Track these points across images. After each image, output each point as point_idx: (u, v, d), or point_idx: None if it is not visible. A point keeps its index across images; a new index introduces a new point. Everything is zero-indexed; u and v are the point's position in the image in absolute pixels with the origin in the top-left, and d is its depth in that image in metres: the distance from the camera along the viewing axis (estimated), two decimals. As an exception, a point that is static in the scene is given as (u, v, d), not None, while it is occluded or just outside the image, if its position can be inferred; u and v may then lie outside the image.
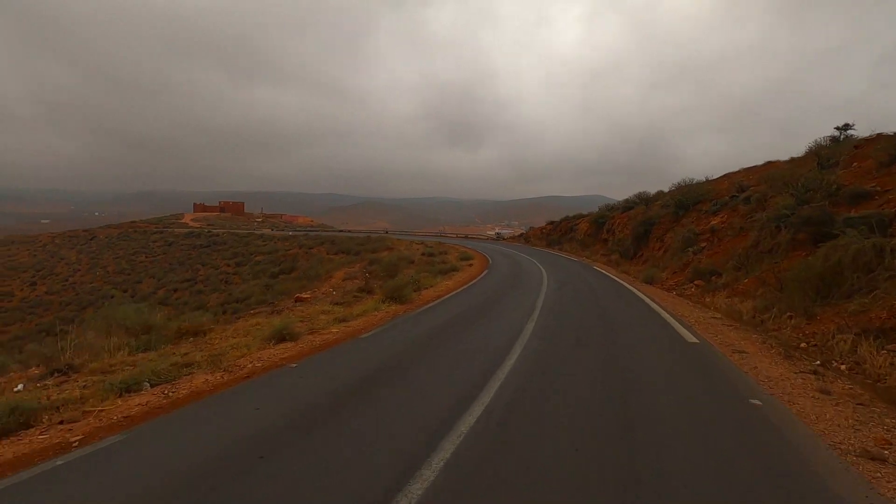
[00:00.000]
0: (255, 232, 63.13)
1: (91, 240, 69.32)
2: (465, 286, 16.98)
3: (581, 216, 37.40)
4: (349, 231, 74.59)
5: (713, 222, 17.06)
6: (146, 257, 54.98)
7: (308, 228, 78.10)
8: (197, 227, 75.43)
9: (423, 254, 31.25)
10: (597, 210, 34.92)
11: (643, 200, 27.57)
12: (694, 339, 7.93)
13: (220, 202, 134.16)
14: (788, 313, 8.33)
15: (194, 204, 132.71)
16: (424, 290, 15.85)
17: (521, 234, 48.07)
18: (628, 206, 28.58)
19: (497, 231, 50.29)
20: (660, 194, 26.95)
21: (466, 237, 56.87)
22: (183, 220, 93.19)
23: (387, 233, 67.44)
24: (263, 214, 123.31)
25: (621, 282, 17.62)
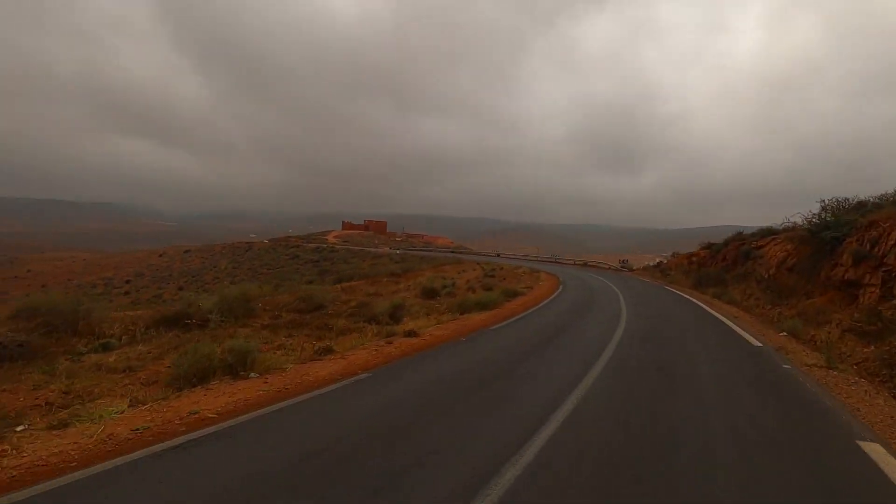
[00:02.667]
0: (367, 249, 64.68)
1: (247, 251, 74.27)
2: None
3: (771, 232, 19.54)
4: (475, 253, 67.36)
5: None
6: (265, 266, 57.97)
7: (441, 249, 77.25)
8: (331, 243, 78.15)
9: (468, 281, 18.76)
10: (809, 220, 14.81)
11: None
12: None
13: (364, 221, 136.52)
14: None
15: (343, 222, 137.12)
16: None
17: (658, 264, 31.73)
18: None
19: (622, 261, 34.18)
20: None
21: (586, 265, 42.10)
22: (327, 237, 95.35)
23: (498, 255, 58.93)
24: (405, 234, 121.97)
25: None
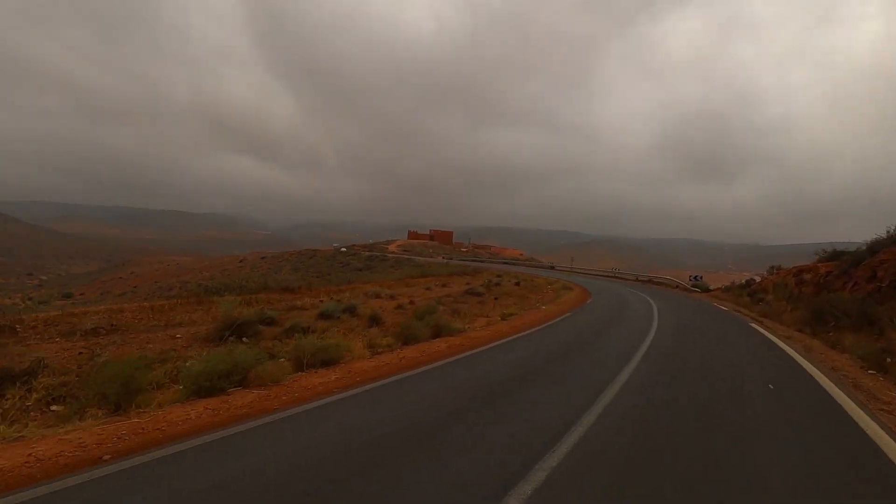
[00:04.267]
0: (416, 258, 63.00)
1: (311, 258, 74.84)
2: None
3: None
4: (534, 266, 60.29)
5: None
6: (312, 270, 58.30)
7: (508, 260, 73.97)
8: (391, 252, 78.55)
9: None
10: None
11: None
12: None
13: (430, 230, 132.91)
14: None
15: (409, 231, 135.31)
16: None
17: (748, 284, 21.18)
18: None
19: (694, 276, 23.96)
20: None
21: (650, 281, 32.09)
22: (389, 246, 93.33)
23: (552, 267, 52.35)
24: (472, 244, 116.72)
25: None
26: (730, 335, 11.08)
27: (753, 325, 12.46)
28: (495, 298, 16.86)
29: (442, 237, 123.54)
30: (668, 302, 19.36)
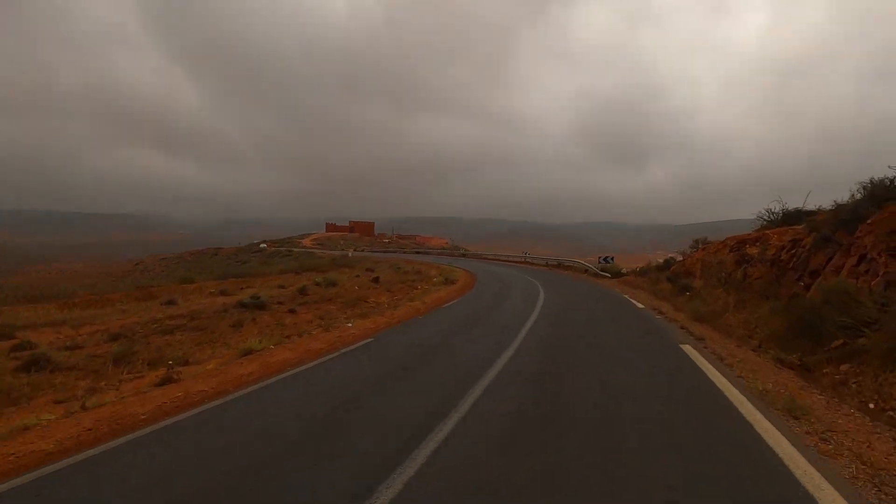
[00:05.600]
0: (319, 252, 57.38)
1: (213, 256, 69.16)
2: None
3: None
4: (443, 255, 55.16)
5: None
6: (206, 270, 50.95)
7: (432, 249, 68.93)
8: (304, 246, 73.04)
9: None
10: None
11: None
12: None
13: (349, 222, 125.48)
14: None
15: (326, 224, 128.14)
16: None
17: (666, 265, 16.00)
18: None
19: (603, 258, 18.51)
20: None
21: (560, 265, 27.06)
22: (304, 240, 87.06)
23: (464, 255, 48.90)
24: (395, 236, 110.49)
25: None
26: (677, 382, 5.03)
27: (687, 348, 6.60)
28: (298, 306, 10.10)
29: (363, 229, 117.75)
30: (560, 297, 13.62)
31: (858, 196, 7.14)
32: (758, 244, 9.90)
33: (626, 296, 13.66)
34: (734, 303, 8.91)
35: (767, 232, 10.14)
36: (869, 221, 6.34)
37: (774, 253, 9.20)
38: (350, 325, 8.94)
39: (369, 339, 7.66)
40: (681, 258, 15.73)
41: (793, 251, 8.10)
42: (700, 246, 14.53)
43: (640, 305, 11.66)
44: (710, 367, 5.54)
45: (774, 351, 5.91)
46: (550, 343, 7.41)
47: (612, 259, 19.76)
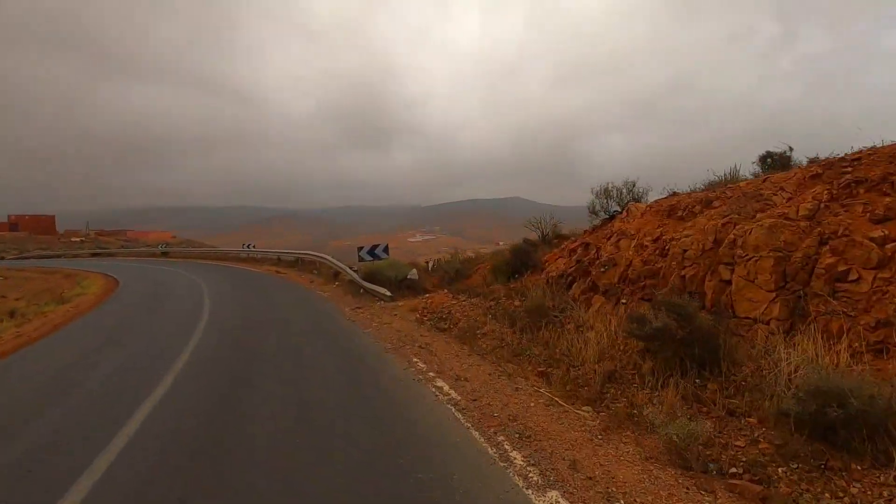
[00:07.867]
0: None
1: None
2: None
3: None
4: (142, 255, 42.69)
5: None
6: None
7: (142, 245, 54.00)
8: None
9: None
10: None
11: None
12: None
13: (9, 216, 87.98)
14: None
15: None
16: None
17: (431, 268, 10.12)
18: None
19: (368, 249, 11.56)
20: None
21: (299, 260, 19.29)
22: None
23: (165, 254, 37.64)
24: (91, 233, 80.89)
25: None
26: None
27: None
28: None
29: (37, 226, 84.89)
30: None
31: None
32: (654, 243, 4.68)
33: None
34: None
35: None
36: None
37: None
38: None
39: None
40: (431, 263, 9.91)
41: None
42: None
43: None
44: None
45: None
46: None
47: (386, 248, 13.12)
